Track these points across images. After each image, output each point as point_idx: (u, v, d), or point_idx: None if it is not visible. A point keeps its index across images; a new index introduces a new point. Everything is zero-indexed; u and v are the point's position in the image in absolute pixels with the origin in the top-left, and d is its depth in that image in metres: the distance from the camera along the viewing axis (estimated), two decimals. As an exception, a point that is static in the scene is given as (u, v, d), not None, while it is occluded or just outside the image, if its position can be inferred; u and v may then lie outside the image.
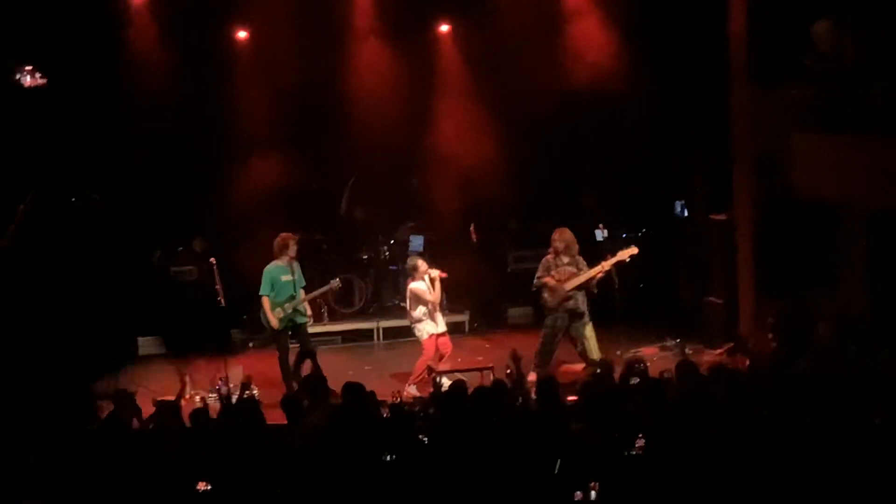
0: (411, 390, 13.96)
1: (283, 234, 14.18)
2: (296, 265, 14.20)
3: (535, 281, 14.41)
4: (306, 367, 13.88)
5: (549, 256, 14.30)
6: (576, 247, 14.25)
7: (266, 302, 13.95)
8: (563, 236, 14.24)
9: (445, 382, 12.98)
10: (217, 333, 15.87)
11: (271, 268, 14.06)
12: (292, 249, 14.08)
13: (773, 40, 14.32)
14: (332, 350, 16.82)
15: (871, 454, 7.56)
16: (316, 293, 14.65)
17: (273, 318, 13.93)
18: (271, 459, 8.41)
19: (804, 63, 13.75)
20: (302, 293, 14.15)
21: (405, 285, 14.60)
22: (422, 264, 14.31)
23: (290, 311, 13.96)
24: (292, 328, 14.15)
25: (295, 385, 13.20)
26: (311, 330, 14.62)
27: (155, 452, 8.85)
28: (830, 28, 13.55)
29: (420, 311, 14.25)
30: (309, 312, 14.40)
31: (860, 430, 7.93)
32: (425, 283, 14.22)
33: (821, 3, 13.92)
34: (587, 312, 14.21)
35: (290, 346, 14.26)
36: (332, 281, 14.81)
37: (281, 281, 13.98)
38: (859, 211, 13.82)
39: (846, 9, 13.74)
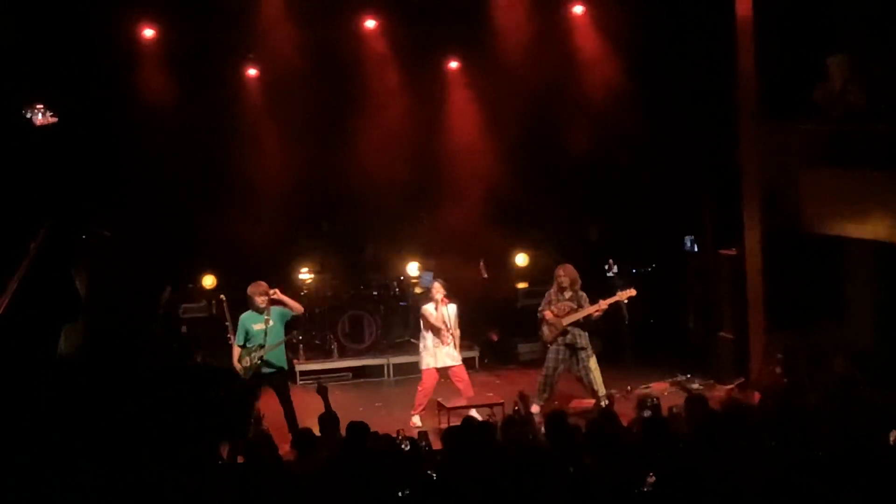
0: (415, 420, 14.04)
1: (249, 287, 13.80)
2: (273, 315, 13.59)
3: (537, 314, 14.49)
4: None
5: (551, 291, 14.38)
6: (578, 283, 14.33)
7: (235, 351, 13.64)
8: (566, 272, 14.33)
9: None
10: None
11: (243, 317, 13.71)
12: (252, 302, 13.60)
13: (782, 76, 14.35)
14: (342, 386, 16.77)
15: (881, 491, 7.54)
16: (275, 344, 13.58)
17: (237, 365, 13.57)
18: (282, 495, 8.40)
19: (814, 99, 13.78)
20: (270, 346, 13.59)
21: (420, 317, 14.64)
22: (437, 288, 14.41)
23: (256, 360, 13.43)
24: (264, 377, 13.65)
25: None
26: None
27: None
28: (843, 64, 13.59)
29: (428, 338, 14.35)
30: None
31: (870, 467, 7.90)
32: (434, 307, 14.36)
33: (830, 39, 13.97)
34: (588, 347, 14.21)
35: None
36: (292, 332, 14.45)
37: (253, 329, 13.54)
38: (868, 246, 13.81)
39: (857, 45, 13.78)
